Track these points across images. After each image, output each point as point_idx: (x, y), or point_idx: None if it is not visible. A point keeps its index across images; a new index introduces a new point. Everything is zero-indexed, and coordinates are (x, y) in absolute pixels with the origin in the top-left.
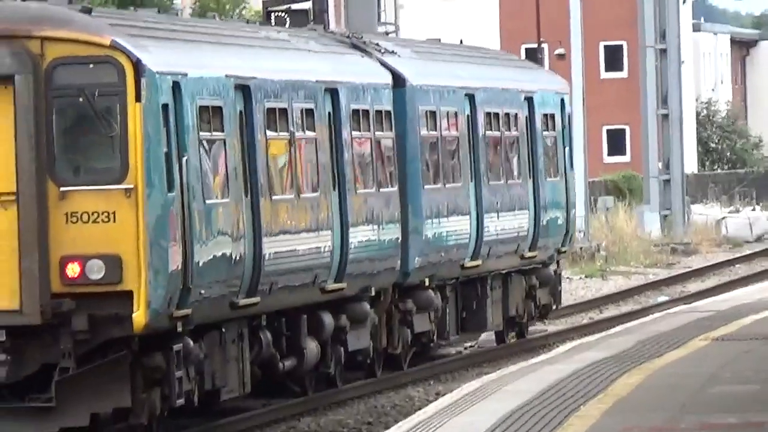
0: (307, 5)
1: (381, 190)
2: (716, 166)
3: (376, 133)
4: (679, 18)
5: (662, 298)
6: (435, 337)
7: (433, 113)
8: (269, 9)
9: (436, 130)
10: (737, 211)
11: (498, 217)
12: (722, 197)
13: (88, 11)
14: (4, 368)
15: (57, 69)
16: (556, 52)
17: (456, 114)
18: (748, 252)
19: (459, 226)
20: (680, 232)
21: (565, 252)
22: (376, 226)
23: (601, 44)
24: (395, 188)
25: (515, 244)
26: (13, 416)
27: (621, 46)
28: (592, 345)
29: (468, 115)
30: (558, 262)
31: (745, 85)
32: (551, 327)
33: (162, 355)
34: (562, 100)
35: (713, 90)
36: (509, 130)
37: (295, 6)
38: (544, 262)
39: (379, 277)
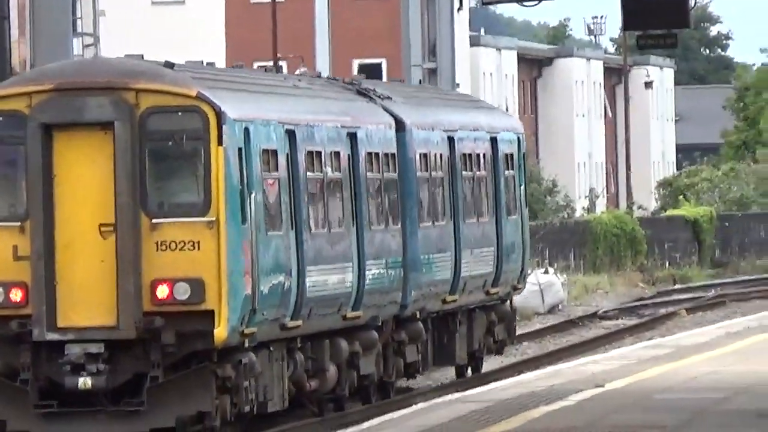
0: None
1: (388, 227)
2: None
3: (384, 174)
4: (453, 30)
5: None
6: (421, 368)
7: (425, 155)
8: None
9: (427, 171)
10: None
11: (472, 253)
12: None
13: (171, 66)
14: (102, 376)
15: (150, 117)
16: (298, 71)
17: (441, 155)
18: (538, 327)
19: (443, 262)
20: None
21: (520, 289)
22: (384, 261)
23: (355, 62)
24: (399, 226)
25: (483, 279)
26: (110, 418)
27: (379, 65)
28: None
29: (449, 156)
30: (511, 300)
31: (537, 113)
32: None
33: (232, 367)
34: (519, 139)
35: None
36: (480, 169)
37: None
38: (502, 298)
39: (386, 308)
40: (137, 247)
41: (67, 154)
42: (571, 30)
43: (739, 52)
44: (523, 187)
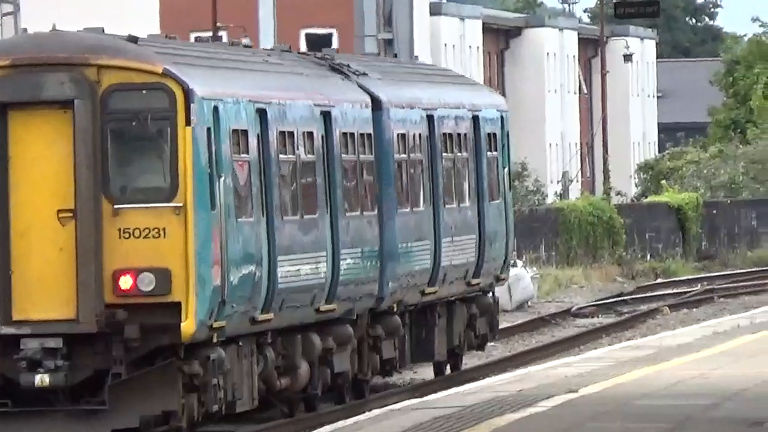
0: None
1: (364, 213)
2: None
3: (360, 156)
4: None
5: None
6: (398, 365)
7: (403, 136)
8: None
9: (405, 153)
10: None
11: (452, 241)
12: None
13: (134, 40)
14: (61, 373)
15: (113, 95)
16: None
17: (420, 136)
18: (505, 325)
19: (422, 251)
20: None
21: (503, 280)
22: (360, 250)
23: (303, 32)
24: (375, 212)
25: (464, 270)
26: (69, 417)
27: (330, 36)
28: None
29: (428, 137)
30: (494, 291)
31: (504, 89)
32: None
33: (199, 363)
34: (502, 118)
35: None
36: (461, 151)
37: None
38: (484, 289)
39: (361, 301)
40: (98, 235)
41: (23, 134)
42: None
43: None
44: (507, 170)
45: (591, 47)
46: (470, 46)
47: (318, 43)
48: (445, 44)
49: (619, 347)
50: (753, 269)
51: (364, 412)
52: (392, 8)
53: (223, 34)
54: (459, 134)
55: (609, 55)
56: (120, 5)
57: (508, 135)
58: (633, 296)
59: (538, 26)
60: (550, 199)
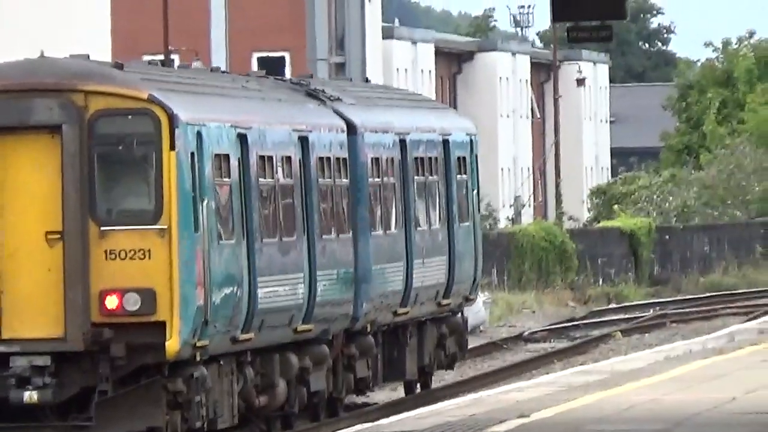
0: None
1: (340, 236)
2: None
3: (336, 180)
4: (364, 21)
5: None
6: (371, 384)
7: (377, 160)
8: None
9: (379, 177)
10: None
11: (423, 263)
12: None
13: (120, 66)
14: (49, 390)
15: (100, 120)
16: (193, 65)
17: (393, 160)
18: None
19: (395, 273)
20: None
21: (472, 300)
22: (335, 271)
23: (255, 55)
24: (350, 234)
25: (435, 290)
26: None
27: (282, 59)
28: None
29: (400, 160)
30: (463, 311)
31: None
32: None
33: (183, 381)
34: (471, 141)
35: None
36: (432, 174)
37: None
38: (454, 310)
39: (337, 321)
40: (85, 256)
41: (12, 158)
42: (495, 21)
43: (681, 46)
44: (475, 192)
45: (544, 71)
46: (422, 70)
47: (270, 66)
48: (398, 68)
49: (571, 372)
50: (705, 294)
51: (338, 429)
52: (344, 32)
53: (175, 57)
54: (430, 158)
55: (562, 79)
56: (71, 28)
57: (476, 158)
58: (585, 321)
59: (491, 50)
60: (502, 224)
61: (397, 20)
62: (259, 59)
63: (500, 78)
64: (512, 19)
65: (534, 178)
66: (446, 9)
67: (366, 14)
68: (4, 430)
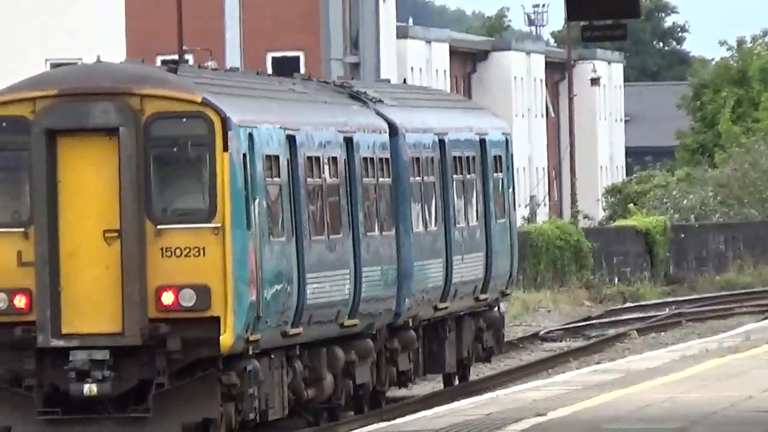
0: None
1: (383, 233)
2: None
3: (379, 179)
4: (378, 20)
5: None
6: (413, 376)
7: (417, 159)
8: None
9: (419, 176)
10: None
11: (462, 259)
12: None
13: (174, 70)
14: (108, 383)
15: (155, 122)
16: (206, 65)
17: (432, 159)
18: None
19: (435, 269)
20: None
21: (509, 295)
22: (379, 268)
23: (269, 55)
24: (392, 232)
25: (473, 286)
26: (115, 425)
27: (297, 59)
28: None
29: (440, 160)
30: (499, 306)
31: None
32: None
33: (236, 374)
34: (507, 140)
35: None
36: (470, 172)
37: None
38: (491, 304)
39: (381, 316)
40: (142, 254)
41: (71, 159)
42: (509, 21)
43: (695, 45)
44: (511, 190)
45: (558, 71)
46: (437, 70)
47: (284, 66)
48: (412, 67)
49: (587, 371)
50: (721, 293)
51: (381, 421)
52: (359, 31)
53: (189, 57)
54: (468, 157)
55: (576, 78)
56: (87, 28)
57: (512, 157)
58: (601, 320)
59: (505, 50)
60: (517, 223)
61: (411, 20)
62: (274, 59)
63: (515, 77)
64: (527, 18)
65: (549, 178)
66: (460, 8)
67: (380, 13)
68: (64, 422)
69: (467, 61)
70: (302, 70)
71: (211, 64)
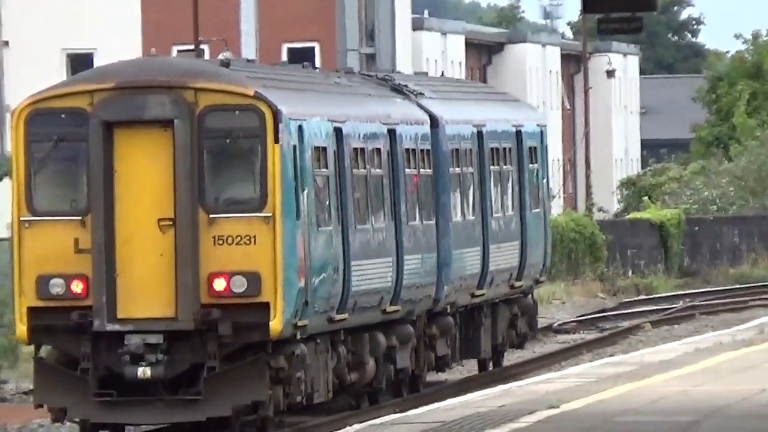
0: None
1: (424, 222)
2: None
3: (420, 170)
4: (393, 12)
5: None
6: (450, 361)
7: (457, 151)
8: None
9: (459, 167)
10: None
11: (498, 248)
12: None
13: (227, 65)
14: (161, 366)
15: (209, 115)
16: (221, 56)
17: (471, 151)
18: None
19: (473, 257)
20: None
21: (542, 282)
22: (420, 256)
23: (285, 46)
24: (433, 221)
25: (509, 273)
26: (168, 406)
27: (312, 49)
28: None
29: (478, 151)
30: (533, 293)
31: None
32: None
33: (285, 358)
34: (542, 132)
35: None
36: (506, 163)
37: None
38: (525, 291)
39: (421, 303)
40: (195, 242)
41: (127, 150)
42: (524, 13)
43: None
44: (545, 181)
45: (574, 63)
46: (452, 62)
47: (300, 56)
48: (428, 59)
49: (601, 363)
50: (735, 286)
51: (420, 405)
52: (374, 23)
53: (204, 47)
54: (504, 148)
55: (592, 71)
56: (102, 18)
57: (546, 148)
58: (615, 312)
59: (521, 42)
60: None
61: (426, 11)
62: (289, 50)
63: (530, 69)
64: (542, 10)
65: (564, 170)
66: (475, 0)
67: (395, 5)
68: (119, 404)
69: (483, 53)
70: (317, 62)
71: (226, 54)
